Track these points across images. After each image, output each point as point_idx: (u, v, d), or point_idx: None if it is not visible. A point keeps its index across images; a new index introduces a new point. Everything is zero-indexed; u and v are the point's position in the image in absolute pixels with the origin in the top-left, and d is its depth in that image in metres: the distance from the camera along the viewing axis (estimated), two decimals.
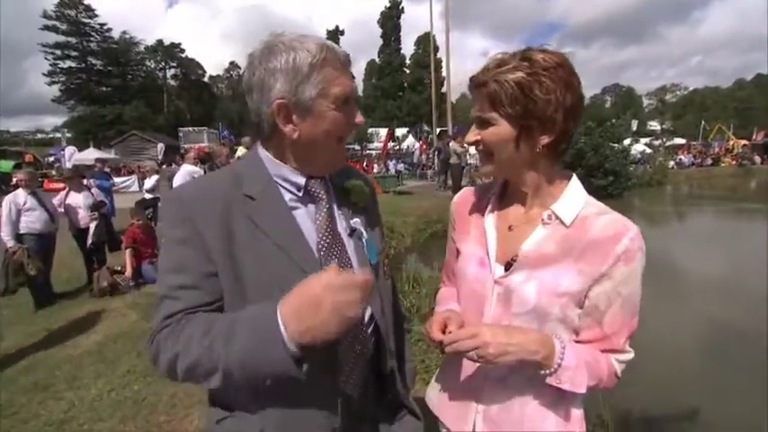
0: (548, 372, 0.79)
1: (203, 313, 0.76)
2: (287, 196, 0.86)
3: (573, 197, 0.84)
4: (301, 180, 0.86)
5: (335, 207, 0.93)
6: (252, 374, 0.69)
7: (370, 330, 0.91)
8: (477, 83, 0.81)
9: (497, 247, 0.89)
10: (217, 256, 0.77)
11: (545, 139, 0.79)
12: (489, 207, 0.94)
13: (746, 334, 4.00)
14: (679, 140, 38.28)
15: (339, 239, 0.88)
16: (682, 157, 28.58)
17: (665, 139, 35.40)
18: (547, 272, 0.82)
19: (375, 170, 20.96)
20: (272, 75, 0.77)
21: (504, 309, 0.86)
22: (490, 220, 0.93)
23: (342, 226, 0.91)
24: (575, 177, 0.88)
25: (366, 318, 0.90)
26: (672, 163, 25.26)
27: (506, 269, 0.86)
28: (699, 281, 5.86)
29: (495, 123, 0.80)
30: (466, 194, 1.04)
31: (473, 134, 0.85)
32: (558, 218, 0.83)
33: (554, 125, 0.78)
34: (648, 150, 26.92)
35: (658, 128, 50.51)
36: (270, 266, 0.78)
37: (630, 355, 0.87)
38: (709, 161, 28.13)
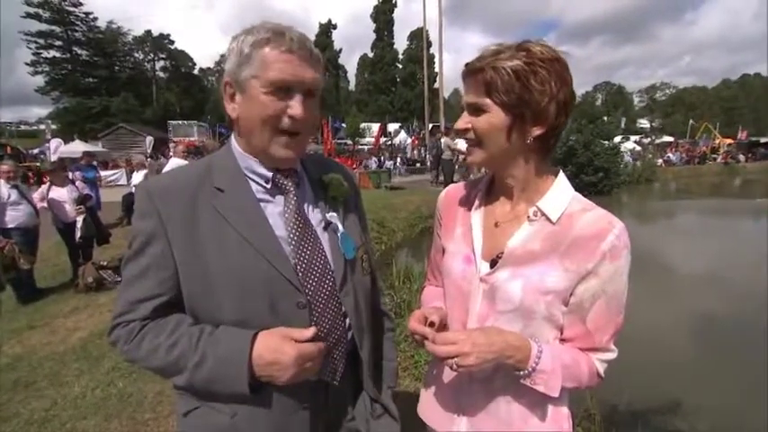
0: (522, 373, 0.79)
1: (166, 322, 0.80)
2: (256, 189, 0.86)
3: (559, 194, 0.83)
4: (268, 173, 0.86)
5: (311, 200, 0.92)
6: (210, 388, 0.79)
7: (346, 324, 0.90)
8: (472, 69, 0.79)
9: (483, 244, 0.88)
10: (178, 249, 0.79)
11: (537, 131, 0.78)
12: (476, 203, 0.92)
13: (731, 326, 4.09)
14: (668, 138, 38.82)
15: (311, 232, 0.87)
16: (670, 154, 28.98)
17: (654, 137, 35.87)
18: (532, 269, 0.80)
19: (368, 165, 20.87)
20: (228, 56, 0.81)
21: (489, 306, 0.85)
22: (477, 216, 0.91)
23: (317, 219, 0.90)
24: (561, 174, 0.86)
25: (342, 310, 0.89)
26: (660, 161, 25.63)
27: (492, 266, 0.85)
28: (684, 275, 5.96)
29: (488, 110, 0.79)
30: (452, 191, 1.02)
31: (464, 121, 0.82)
32: (544, 214, 0.82)
33: (546, 117, 0.77)
34: (638, 148, 27.27)
35: (648, 126, 51.15)
36: (235, 257, 0.79)
37: (614, 354, 0.86)
38: (696, 159, 28.58)
